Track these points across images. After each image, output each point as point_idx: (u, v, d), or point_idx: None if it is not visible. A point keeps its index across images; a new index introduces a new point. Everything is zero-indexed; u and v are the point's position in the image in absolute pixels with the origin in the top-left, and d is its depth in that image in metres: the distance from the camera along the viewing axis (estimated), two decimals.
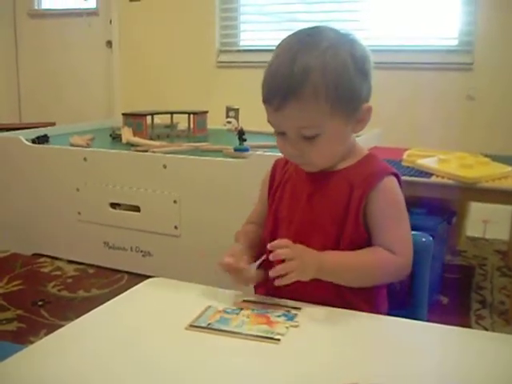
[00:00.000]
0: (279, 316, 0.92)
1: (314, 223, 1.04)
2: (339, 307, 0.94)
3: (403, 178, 1.97)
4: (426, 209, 2.05)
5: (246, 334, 0.86)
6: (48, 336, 0.86)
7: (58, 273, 2.58)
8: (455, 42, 3.30)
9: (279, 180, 1.12)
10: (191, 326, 0.89)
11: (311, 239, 1.03)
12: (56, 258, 2.73)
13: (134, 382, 0.73)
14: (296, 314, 0.92)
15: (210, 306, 0.95)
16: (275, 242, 0.95)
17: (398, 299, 1.09)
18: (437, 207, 2.12)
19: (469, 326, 1.95)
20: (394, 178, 1.04)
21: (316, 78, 0.93)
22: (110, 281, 2.46)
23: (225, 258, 1.01)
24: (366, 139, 2.63)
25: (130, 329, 0.89)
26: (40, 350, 0.83)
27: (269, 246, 0.95)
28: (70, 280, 2.49)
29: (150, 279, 1.10)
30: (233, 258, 1.01)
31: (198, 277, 1.59)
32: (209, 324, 0.89)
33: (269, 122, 1.02)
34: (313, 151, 0.99)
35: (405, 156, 2.26)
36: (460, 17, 3.25)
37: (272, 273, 0.93)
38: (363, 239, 1.02)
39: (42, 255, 2.77)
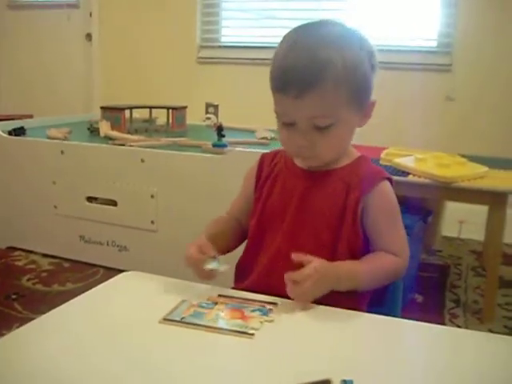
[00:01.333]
0: (254, 311, 0.92)
1: (307, 224, 1.04)
2: (322, 303, 0.94)
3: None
4: (402, 207, 2.06)
5: (220, 329, 0.86)
6: (19, 328, 0.85)
7: (33, 266, 2.55)
8: (434, 44, 3.33)
9: (267, 174, 1.12)
10: (165, 319, 0.88)
11: (302, 241, 1.04)
12: (31, 252, 2.69)
13: (106, 376, 0.73)
14: (271, 309, 0.92)
15: (184, 300, 0.95)
16: (306, 257, 0.94)
17: (373, 297, 1.10)
18: (413, 206, 2.13)
19: (443, 324, 1.97)
20: (388, 182, 1.06)
21: (337, 69, 0.95)
22: (85, 275, 2.44)
23: (189, 249, 1.01)
24: None
25: (104, 322, 0.89)
26: (10, 341, 0.82)
27: (294, 256, 0.94)
28: (44, 274, 2.46)
29: (124, 273, 1.10)
30: (196, 251, 1.01)
31: (174, 271, 1.58)
32: (182, 318, 0.89)
33: (277, 112, 1.01)
34: (323, 142, 0.99)
35: (382, 155, 2.27)
36: (439, 18, 3.28)
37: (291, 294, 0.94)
38: (360, 242, 1.03)
39: (17, 249, 2.73)
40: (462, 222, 2.97)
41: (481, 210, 2.31)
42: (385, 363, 0.78)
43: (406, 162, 2.09)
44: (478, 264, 2.69)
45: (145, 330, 0.86)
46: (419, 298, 2.24)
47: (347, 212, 1.02)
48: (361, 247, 1.03)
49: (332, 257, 1.01)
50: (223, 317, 0.90)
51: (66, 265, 2.57)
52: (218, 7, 3.88)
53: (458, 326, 1.99)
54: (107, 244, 2.51)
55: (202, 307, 0.93)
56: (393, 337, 0.87)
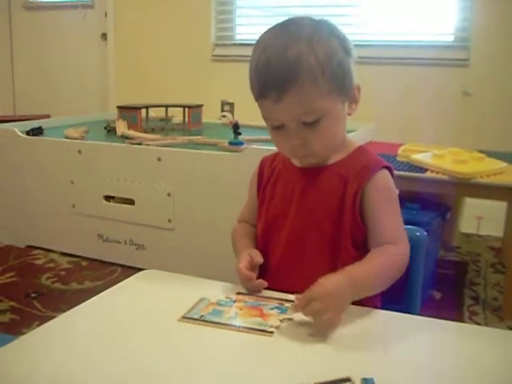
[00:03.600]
0: (272, 309, 0.92)
1: (309, 220, 1.03)
2: None
3: (398, 172, 2.00)
4: (420, 204, 2.05)
5: (239, 327, 0.86)
6: (39, 327, 0.86)
7: (52, 265, 2.57)
8: (451, 38, 3.30)
9: (268, 177, 1.12)
10: (184, 317, 0.88)
11: (307, 237, 1.03)
12: (50, 251, 2.72)
13: (126, 374, 0.73)
14: (289, 307, 0.91)
15: (203, 298, 0.95)
16: (302, 297, 0.86)
17: (391, 295, 1.09)
18: (431, 202, 2.12)
19: (462, 322, 1.96)
20: (386, 171, 1.04)
21: (310, 62, 0.94)
22: (103, 273, 2.45)
23: (243, 265, 1.00)
24: (361, 134, 2.63)
25: (123, 320, 0.89)
26: (31, 340, 0.83)
27: (296, 300, 0.88)
28: (63, 272, 2.48)
29: (143, 271, 1.10)
30: (247, 262, 1.01)
31: (191, 269, 1.59)
32: (201, 316, 0.89)
33: (264, 117, 1.01)
34: (316, 137, 0.98)
35: (399, 151, 2.26)
36: (456, 13, 3.25)
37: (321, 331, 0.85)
38: (362, 234, 1.02)
39: (36, 247, 2.76)
40: (480, 218, 2.95)
41: (499, 206, 2.29)
42: (405, 361, 0.77)
43: (424, 158, 2.08)
44: (497, 260, 2.66)
45: (164, 329, 0.86)
46: (437, 296, 2.23)
47: (346, 205, 1.01)
48: (363, 239, 1.02)
49: (336, 251, 1.01)
50: (242, 315, 0.90)
51: (85, 263, 2.59)
52: (232, 5, 3.89)
53: (478, 324, 1.98)
54: (125, 243, 2.52)
55: (221, 305, 0.93)
56: (412, 334, 0.86)
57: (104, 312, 0.93)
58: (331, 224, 1.01)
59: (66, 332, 0.86)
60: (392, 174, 1.06)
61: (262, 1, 3.91)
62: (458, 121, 3.20)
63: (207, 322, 0.87)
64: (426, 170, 2.03)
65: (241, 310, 0.92)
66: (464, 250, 2.82)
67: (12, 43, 4.65)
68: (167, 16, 3.96)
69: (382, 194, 1.02)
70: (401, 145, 2.41)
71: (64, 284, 2.35)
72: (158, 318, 0.89)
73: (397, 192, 1.06)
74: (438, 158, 2.05)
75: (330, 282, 0.88)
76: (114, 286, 1.03)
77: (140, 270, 1.11)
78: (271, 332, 0.84)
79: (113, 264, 2.55)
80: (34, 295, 2.22)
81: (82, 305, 0.94)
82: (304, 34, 0.96)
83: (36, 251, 2.73)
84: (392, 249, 0.99)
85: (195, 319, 0.88)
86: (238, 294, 0.98)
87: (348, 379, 0.70)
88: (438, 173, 1.98)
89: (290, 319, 0.88)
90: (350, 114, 1.05)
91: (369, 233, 1.02)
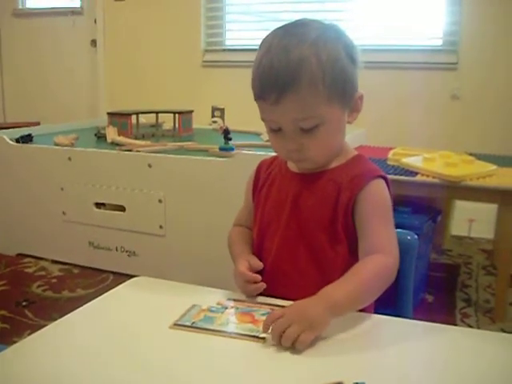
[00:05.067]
0: (264, 314, 0.91)
1: (301, 227, 1.02)
2: None
3: (393, 176, 2.00)
4: (411, 207, 2.06)
5: (231, 333, 0.85)
6: (31, 335, 0.85)
7: (43, 273, 2.56)
8: (440, 42, 3.32)
9: (263, 181, 1.11)
10: (175, 324, 0.88)
11: (298, 243, 1.02)
12: (40, 258, 2.71)
13: (117, 381, 0.73)
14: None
15: (194, 305, 0.94)
16: (268, 319, 0.85)
17: (383, 298, 1.09)
18: (422, 206, 2.13)
19: (454, 324, 1.96)
20: (381, 181, 1.02)
21: (311, 66, 0.93)
22: (95, 281, 2.44)
23: (242, 268, 1.01)
24: (351, 138, 2.63)
25: (114, 328, 0.89)
26: (22, 349, 0.82)
27: (263, 326, 0.84)
28: (54, 280, 2.47)
29: (134, 278, 1.10)
30: (246, 267, 1.01)
31: (183, 276, 1.59)
32: (193, 323, 0.88)
33: (263, 119, 1.00)
34: (312, 144, 0.97)
35: (390, 155, 2.27)
36: (445, 17, 3.27)
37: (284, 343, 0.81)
38: (356, 242, 1.00)
39: (27, 255, 2.75)
40: (471, 220, 2.96)
41: (490, 209, 2.30)
42: (397, 365, 0.77)
43: (414, 161, 2.09)
44: (489, 263, 2.68)
45: (156, 336, 0.85)
46: (430, 298, 2.23)
47: (339, 213, 0.99)
48: (357, 247, 1.00)
49: (332, 259, 1.00)
50: (233, 321, 0.89)
51: (76, 271, 2.58)
52: (222, 11, 3.89)
53: (470, 326, 1.99)
54: (116, 249, 2.52)
55: (212, 312, 0.93)
56: (404, 338, 0.87)
57: (95, 320, 0.93)
58: (324, 231, 1.00)
59: (57, 341, 0.85)
60: (388, 184, 1.04)
61: (252, 6, 3.92)
62: (447, 124, 3.22)
63: (199, 328, 0.87)
64: (417, 173, 2.03)
65: (232, 316, 0.91)
66: (456, 252, 2.83)
67: (1, 50, 4.64)
68: (156, 22, 3.96)
69: (374, 203, 1.00)
70: (391, 149, 2.41)
71: (55, 292, 2.34)
72: (149, 326, 0.89)
73: (390, 201, 1.03)
74: (428, 162, 2.05)
75: (302, 302, 0.87)
76: (105, 294, 1.02)
77: (132, 276, 1.11)
78: (263, 338, 0.83)
79: (104, 271, 2.54)
80: (24, 303, 2.21)
81: (72, 313, 0.94)
82: (309, 37, 0.95)
83: (27, 259, 2.72)
84: (379, 260, 0.96)
85: (187, 326, 0.87)
86: (230, 300, 0.98)
87: (341, 383, 0.70)
88: (428, 176, 1.99)
89: None
90: (349, 123, 1.03)
91: (359, 242, 1.00)
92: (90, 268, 2.58)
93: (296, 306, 0.87)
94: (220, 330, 0.86)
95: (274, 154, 1.12)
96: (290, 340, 0.80)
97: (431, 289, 2.29)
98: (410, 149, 2.35)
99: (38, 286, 2.40)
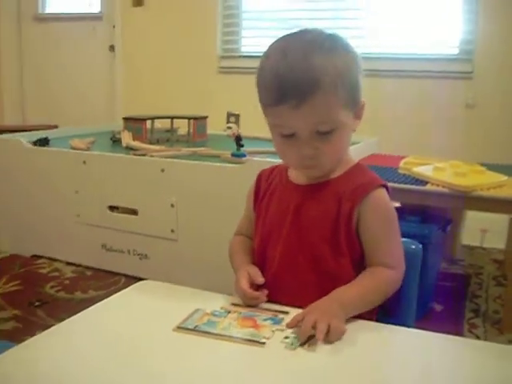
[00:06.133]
0: (266, 320, 0.93)
1: (302, 238, 1.03)
2: None
3: (399, 185, 2.01)
4: (421, 217, 2.06)
5: (232, 337, 0.87)
6: (38, 335, 0.88)
7: (56, 274, 2.59)
8: (456, 51, 3.32)
9: (264, 191, 1.12)
10: (179, 327, 0.90)
11: (300, 254, 1.03)
12: (55, 260, 2.74)
13: (119, 382, 0.75)
14: (283, 318, 0.93)
15: (198, 309, 0.96)
16: (291, 323, 0.90)
17: (387, 307, 1.10)
18: (432, 215, 2.13)
19: (461, 335, 1.96)
20: (383, 190, 1.04)
21: (331, 71, 0.94)
22: (107, 283, 2.47)
23: (245, 285, 1.01)
24: (363, 147, 2.65)
25: (118, 330, 0.91)
26: (27, 348, 0.85)
27: (289, 327, 0.89)
28: (67, 281, 2.51)
29: (140, 282, 1.12)
30: (247, 281, 1.02)
31: (194, 279, 1.60)
32: (196, 326, 0.90)
33: (275, 125, 1.00)
34: (327, 148, 0.98)
35: (401, 164, 2.27)
36: (461, 25, 3.27)
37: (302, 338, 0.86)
38: (359, 252, 1.02)
39: (41, 257, 2.79)
40: (484, 230, 2.95)
41: (504, 219, 2.29)
42: (395, 374, 0.79)
43: (424, 170, 2.09)
44: (500, 273, 2.66)
45: (158, 338, 0.87)
46: (438, 308, 2.23)
47: (341, 224, 1.00)
48: (360, 257, 1.02)
49: (334, 271, 1.01)
50: (236, 325, 0.91)
51: (89, 273, 2.62)
52: (238, 18, 3.93)
53: (477, 337, 1.98)
54: (128, 252, 2.54)
55: (216, 316, 0.95)
56: (404, 347, 0.88)
57: (101, 321, 0.95)
58: (325, 242, 1.01)
59: (64, 340, 0.88)
60: (388, 192, 1.05)
61: (268, 13, 3.94)
62: (462, 133, 3.21)
63: (201, 332, 0.89)
64: (427, 182, 2.04)
65: (235, 320, 0.93)
66: (467, 262, 2.81)
67: (22, 54, 4.71)
68: (174, 28, 4.01)
69: (378, 214, 1.01)
70: (403, 157, 2.42)
71: (68, 293, 2.38)
72: (153, 328, 0.91)
73: (394, 210, 1.04)
74: (438, 171, 2.06)
75: (318, 302, 0.93)
76: (111, 296, 1.05)
77: (143, 279, 1.14)
78: (263, 343, 0.85)
79: (117, 274, 2.56)
80: (37, 304, 2.24)
81: (79, 314, 0.96)
82: (323, 44, 0.96)
83: (41, 260, 2.76)
84: (383, 273, 0.99)
85: (190, 329, 0.89)
86: (233, 305, 1.00)
87: None
88: (438, 186, 1.99)
89: (283, 330, 0.89)
90: (353, 130, 1.04)
91: (365, 253, 1.02)
92: (103, 270, 2.61)
93: (314, 306, 0.91)
94: (222, 334, 0.88)
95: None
96: (322, 332, 0.85)
97: (440, 298, 2.28)
98: (422, 158, 2.36)
99: (52, 287, 2.44)
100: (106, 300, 1.03)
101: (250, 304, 1.00)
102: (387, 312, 1.09)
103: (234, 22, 3.93)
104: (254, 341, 0.86)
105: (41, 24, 4.64)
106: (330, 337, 0.85)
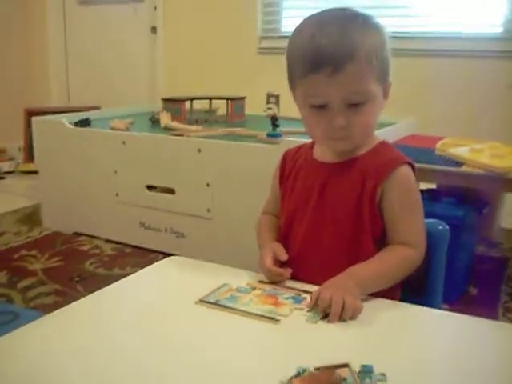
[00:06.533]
0: (287, 298, 0.94)
1: (327, 215, 1.04)
2: None
3: (434, 166, 1.98)
4: (456, 198, 2.03)
5: (250, 313, 0.89)
6: (66, 306, 0.93)
7: (96, 251, 2.67)
8: (500, 30, 3.22)
9: (290, 170, 1.13)
10: (201, 300, 0.93)
11: (324, 232, 1.04)
12: (95, 237, 2.82)
13: (130, 347, 0.79)
14: (305, 298, 0.94)
15: (224, 284, 0.99)
16: (312, 298, 0.91)
17: (412, 287, 1.10)
18: (468, 197, 2.09)
19: (495, 318, 1.94)
20: (408, 167, 1.03)
21: (368, 44, 0.96)
22: (144, 260, 2.53)
23: (269, 262, 1.03)
24: (401, 127, 2.63)
25: (145, 301, 0.96)
26: (54, 319, 0.91)
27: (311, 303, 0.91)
28: (106, 258, 2.58)
29: (171, 257, 1.16)
30: (271, 259, 1.03)
31: (228, 258, 1.62)
32: (217, 300, 0.93)
33: (306, 95, 1.00)
34: (358, 120, 0.98)
35: (438, 145, 2.24)
36: (505, 3, 3.17)
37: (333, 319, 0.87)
38: (380, 229, 1.02)
39: (82, 234, 2.87)
40: None
41: None
42: (407, 351, 0.79)
43: (461, 152, 2.06)
44: None
45: (180, 310, 0.91)
46: (473, 291, 2.20)
47: (364, 202, 1.01)
48: (381, 234, 1.02)
49: (356, 247, 1.02)
50: (257, 302, 0.93)
51: (128, 250, 2.68)
52: None
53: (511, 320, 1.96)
54: (165, 231, 2.60)
55: (240, 291, 0.97)
56: (425, 327, 0.89)
57: (130, 293, 1.00)
58: (349, 220, 1.02)
59: (92, 311, 0.93)
60: (414, 170, 1.05)
61: None
62: (505, 114, 3.13)
63: (221, 306, 0.91)
64: (463, 164, 2.00)
65: (257, 297, 0.94)
66: (508, 245, 2.76)
67: (66, 37, 4.80)
68: (214, 9, 4.01)
69: (401, 193, 1.01)
70: (441, 138, 2.38)
71: (106, 269, 2.45)
72: (177, 300, 0.95)
73: (417, 189, 1.05)
74: (475, 153, 2.02)
75: (334, 279, 0.94)
76: (143, 270, 1.09)
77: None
78: (278, 320, 0.86)
79: (154, 251, 2.62)
80: (77, 279, 2.33)
81: (110, 286, 1.01)
82: (357, 20, 0.98)
83: (82, 238, 2.84)
84: (402, 252, 1.00)
85: (210, 303, 0.92)
86: (260, 282, 1.01)
87: (346, 365, 0.73)
88: (474, 167, 1.96)
89: (302, 309, 0.90)
90: (381, 109, 1.04)
91: (387, 231, 1.02)
92: (141, 248, 2.67)
93: (329, 283, 0.93)
94: (240, 309, 0.90)
95: None
96: (338, 305, 0.86)
97: (476, 281, 2.25)
98: (461, 139, 2.31)
99: (91, 264, 2.51)
100: (136, 273, 1.08)
101: (274, 280, 1.01)
102: (414, 292, 1.09)
103: (274, 1, 3.91)
104: (270, 317, 0.87)
105: (85, 7, 4.70)
106: (345, 314, 0.86)
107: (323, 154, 1.09)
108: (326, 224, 1.04)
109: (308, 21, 1.02)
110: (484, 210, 2.15)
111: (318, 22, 0.99)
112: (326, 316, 0.87)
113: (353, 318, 0.87)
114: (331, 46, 0.94)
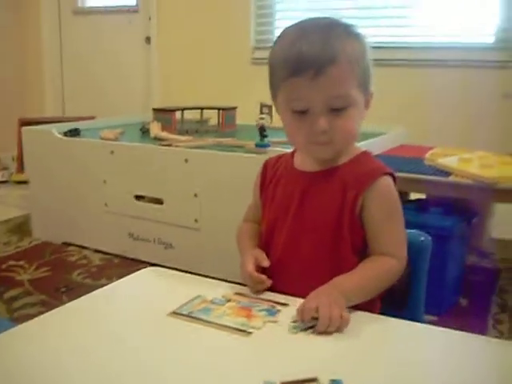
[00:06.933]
0: (261, 310, 0.93)
1: (306, 225, 1.03)
2: None
3: (423, 176, 1.97)
4: (444, 208, 2.02)
5: (222, 325, 0.87)
6: (38, 317, 0.91)
7: (84, 261, 2.65)
8: (491, 40, 3.22)
9: (270, 178, 1.13)
10: (173, 312, 0.91)
11: (303, 241, 1.04)
12: (84, 247, 2.81)
13: (102, 358, 0.77)
14: (279, 310, 0.92)
15: (199, 296, 0.97)
16: (298, 309, 0.89)
17: (394, 299, 1.08)
18: (457, 207, 2.08)
19: (485, 330, 1.92)
20: (389, 178, 1.03)
21: (349, 50, 0.96)
22: (132, 271, 2.47)
23: (250, 268, 1.02)
24: (391, 137, 2.62)
25: (117, 312, 0.94)
26: (25, 331, 0.87)
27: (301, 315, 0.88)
28: (94, 269, 2.56)
29: (147, 268, 1.14)
30: (253, 266, 1.03)
31: (216, 269, 1.62)
32: (190, 312, 0.91)
33: (288, 100, 0.99)
34: (340, 125, 0.97)
35: (427, 155, 2.23)
36: (497, 13, 3.17)
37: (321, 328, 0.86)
38: (361, 240, 1.01)
39: (71, 244, 2.85)
40: None
41: None
42: (378, 365, 0.77)
43: (449, 162, 2.04)
44: None
45: (151, 322, 0.89)
46: (464, 302, 2.18)
47: (345, 211, 1.00)
48: (362, 244, 1.01)
49: (336, 256, 1.01)
50: (229, 314, 0.91)
51: (116, 261, 2.66)
52: (272, 8, 3.91)
53: (501, 332, 1.93)
54: (154, 241, 2.58)
55: (214, 303, 0.95)
56: (401, 341, 0.87)
57: (102, 305, 0.98)
58: (329, 229, 1.01)
59: (63, 323, 0.90)
60: (395, 181, 1.04)
61: (302, 4, 3.90)
62: (497, 124, 3.12)
63: (194, 318, 0.89)
64: (450, 174, 1.99)
65: (230, 309, 0.93)
66: (500, 256, 2.74)
67: (61, 47, 4.81)
68: (208, 20, 4.02)
69: (381, 203, 1.01)
70: (431, 148, 2.37)
71: (94, 280, 2.43)
72: (150, 312, 0.93)
73: (398, 199, 1.04)
74: (463, 162, 2.01)
75: (319, 289, 0.93)
76: (118, 281, 1.08)
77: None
78: (250, 332, 0.85)
79: (143, 262, 2.59)
80: (63, 290, 2.31)
81: (83, 297, 0.99)
82: (339, 28, 0.99)
83: (71, 248, 2.82)
84: (384, 262, 0.99)
85: (183, 315, 0.90)
86: (236, 294, 1.00)
87: (314, 379, 0.71)
88: (462, 177, 1.95)
89: (275, 322, 0.88)
90: (362, 118, 1.04)
91: (368, 241, 1.02)
92: (130, 258, 2.65)
93: (315, 294, 0.91)
94: (212, 322, 0.88)
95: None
96: (325, 318, 0.85)
97: (466, 292, 2.23)
98: (450, 149, 2.30)
99: (79, 274, 2.49)
100: (112, 284, 1.07)
101: (255, 288, 1.00)
102: (395, 304, 1.07)
103: (267, 12, 3.92)
104: (241, 330, 0.86)
105: (80, 17, 4.72)
106: (332, 325, 0.85)
107: (304, 162, 1.08)
108: (306, 232, 1.03)
109: (290, 29, 1.02)
110: (473, 219, 2.14)
111: (300, 30, 0.99)
112: (309, 328, 0.86)
113: (340, 329, 0.85)
114: (313, 51, 0.94)
